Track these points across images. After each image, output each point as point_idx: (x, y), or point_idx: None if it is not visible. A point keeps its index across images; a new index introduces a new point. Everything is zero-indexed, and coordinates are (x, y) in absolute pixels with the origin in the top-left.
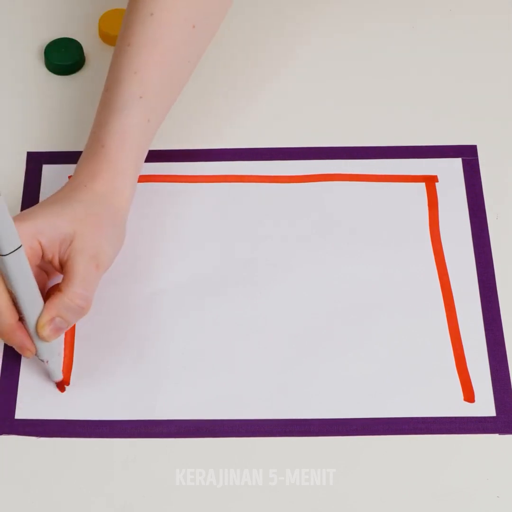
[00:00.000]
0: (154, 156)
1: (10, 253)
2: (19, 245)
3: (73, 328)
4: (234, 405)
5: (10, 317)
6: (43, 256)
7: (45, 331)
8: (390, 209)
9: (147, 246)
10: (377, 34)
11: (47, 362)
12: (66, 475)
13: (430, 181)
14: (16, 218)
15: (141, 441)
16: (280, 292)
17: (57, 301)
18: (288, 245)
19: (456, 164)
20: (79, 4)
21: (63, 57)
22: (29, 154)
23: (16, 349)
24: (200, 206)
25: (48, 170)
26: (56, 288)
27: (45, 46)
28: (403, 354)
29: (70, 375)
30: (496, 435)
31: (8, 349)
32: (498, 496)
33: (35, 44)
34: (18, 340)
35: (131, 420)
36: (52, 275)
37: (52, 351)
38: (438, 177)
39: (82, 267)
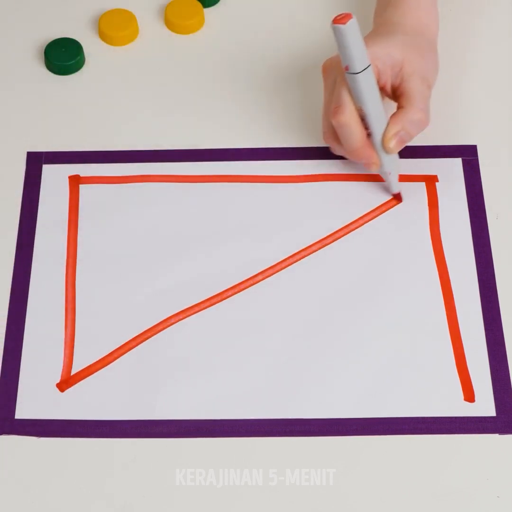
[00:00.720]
0: (155, 156)
1: (362, 71)
2: (368, 64)
3: (73, 328)
4: (234, 405)
5: (360, 132)
6: (378, 81)
7: (391, 143)
8: (390, 209)
9: (147, 246)
10: None
11: (389, 173)
12: (66, 475)
13: (430, 181)
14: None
15: (141, 441)
16: (280, 292)
17: (401, 115)
18: (288, 245)
19: (456, 164)
20: (79, 4)
21: (63, 57)
22: (29, 154)
23: (363, 164)
24: (200, 206)
25: (48, 170)
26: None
27: (45, 46)
28: (403, 354)
29: (70, 375)
30: (496, 435)
31: (8, 349)
32: (498, 496)
33: (35, 44)
34: (367, 154)
35: (131, 420)
36: None
37: (395, 163)
38: (438, 177)
39: (417, 86)
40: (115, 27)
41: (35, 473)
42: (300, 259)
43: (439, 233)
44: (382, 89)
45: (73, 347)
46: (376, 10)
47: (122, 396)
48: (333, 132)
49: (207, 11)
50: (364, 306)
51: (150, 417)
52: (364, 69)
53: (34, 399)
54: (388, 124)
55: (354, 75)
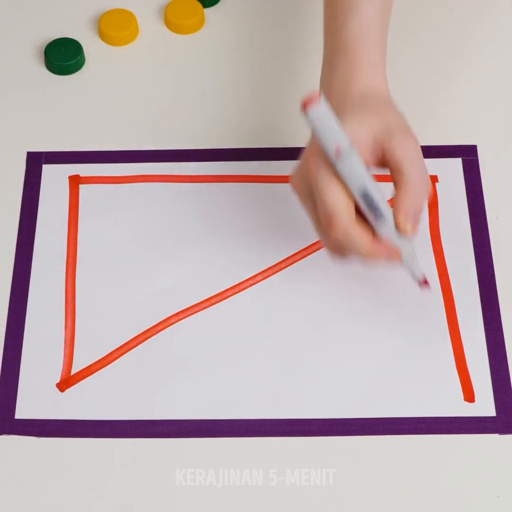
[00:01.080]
0: (155, 156)
1: (350, 148)
2: (349, 141)
3: (73, 328)
4: (234, 405)
5: (365, 234)
6: None
7: (408, 225)
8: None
9: (147, 246)
10: None
11: (410, 258)
12: (66, 475)
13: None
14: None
15: (141, 441)
16: (281, 291)
17: (403, 194)
18: (288, 245)
19: (456, 164)
20: (79, 4)
21: (63, 57)
22: (29, 154)
23: (384, 263)
24: (199, 206)
25: (48, 170)
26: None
27: (45, 46)
28: (403, 354)
29: (70, 375)
30: (496, 435)
31: (8, 349)
32: (498, 496)
33: (35, 44)
34: (385, 249)
35: (131, 420)
36: None
37: (411, 244)
38: (438, 177)
39: (404, 151)
40: (115, 27)
41: (35, 473)
42: (300, 259)
43: (439, 233)
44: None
45: (73, 347)
46: (324, 68)
47: (122, 396)
48: (335, 245)
49: (207, 11)
50: (364, 306)
51: (150, 417)
52: (350, 147)
53: (34, 399)
54: (394, 208)
55: (338, 160)
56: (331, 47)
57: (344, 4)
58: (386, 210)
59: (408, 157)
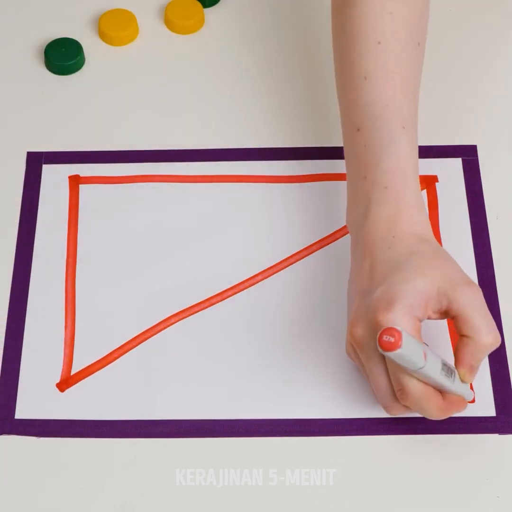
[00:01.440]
0: (155, 156)
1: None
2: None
3: (73, 328)
4: (234, 405)
5: (436, 397)
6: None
7: (469, 378)
8: None
9: (147, 246)
10: None
11: (470, 396)
12: (66, 475)
13: (430, 181)
14: (385, 310)
15: (141, 441)
16: (280, 291)
17: (468, 349)
18: (288, 245)
19: (456, 164)
20: (79, 4)
21: (63, 57)
22: (29, 154)
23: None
24: (199, 206)
25: (48, 170)
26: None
27: (45, 46)
28: None
29: (70, 375)
30: (496, 435)
31: (8, 349)
32: (498, 496)
33: (35, 44)
34: (455, 404)
35: (131, 420)
36: None
37: (468, 387)
38: (438, 177)
39: (470, 302)
40: (115, 27)
41: (35, 473)
42: (300, 259)
43: (439, 233)
44: (430, 319)
45: (73, 347)
46: (347, 217)
47: (122, 396)
48: (402, 408)
49: (207, 11)
50: None
51: (150, 417)
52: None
53: (34, 399)
54: (457, 362)
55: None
56: (361, 174)
57: (381, 138)
58: (454, 368)
59: (476, 309)
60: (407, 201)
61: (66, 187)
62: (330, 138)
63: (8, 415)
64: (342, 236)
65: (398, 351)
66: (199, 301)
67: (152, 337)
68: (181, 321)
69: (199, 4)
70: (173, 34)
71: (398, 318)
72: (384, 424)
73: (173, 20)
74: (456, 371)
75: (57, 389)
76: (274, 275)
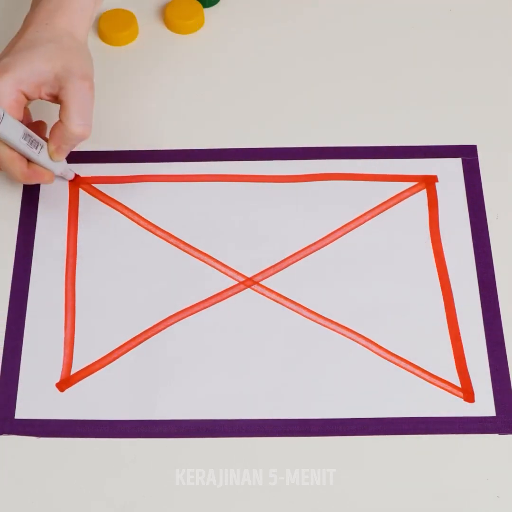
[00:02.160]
0: (155, 156)
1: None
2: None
3: (73, 328)
4: (234, 405)
5: (20, 168)
6: (29, 99)
7: (56, 157)
8: (390, 208)
9: (146, 246)
10: (377, 34)
11: (61, 173)
12: (66, 475)
13: (430, 181)
14: None
15: (141, 441)
16: (280, 291)
17: (60, 132)
18: (288, 245)
19: (456, 164)
20: None
21: None
22: None
23: (40, 182)
24: (199, 206)
25: None
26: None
27: None
28: (403, 354)
29: (70, 374)
30: (496, 435)
31: (8, 349)
32: (498, 496)
33: None
34: (37, 176)
35: (131, 420)
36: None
37: (66, 165)
38: (438, 177)
39: (76, 95)
40: (115, 27)
41: (35, 473)
42: (299, 259)
43: (439, 233)
44: (43, 99)
45: (73, 347)
46: (33, 3)
47: (122, 396)
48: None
49: (207, 11)
50: (364, 306)
51: (150, 417)
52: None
53: (34, 399)
54: (49, 140)
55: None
56: None
57: None
58: (44, 143)
59: (77, 100)
60: (72, 6)
61: (66, 187)
62: (330, 138)
63: (8, 415)
64: (342, 236)
65: None
66: (199, 301)
67: (152, 337)
68: (181, 321)
69: (199, 4)
70: (173, 34)
71: (3, 85)
72: (384, 424)
73: (173, 20)
74: (45, 146)
75: (57, 389)
76: (274, 275)
